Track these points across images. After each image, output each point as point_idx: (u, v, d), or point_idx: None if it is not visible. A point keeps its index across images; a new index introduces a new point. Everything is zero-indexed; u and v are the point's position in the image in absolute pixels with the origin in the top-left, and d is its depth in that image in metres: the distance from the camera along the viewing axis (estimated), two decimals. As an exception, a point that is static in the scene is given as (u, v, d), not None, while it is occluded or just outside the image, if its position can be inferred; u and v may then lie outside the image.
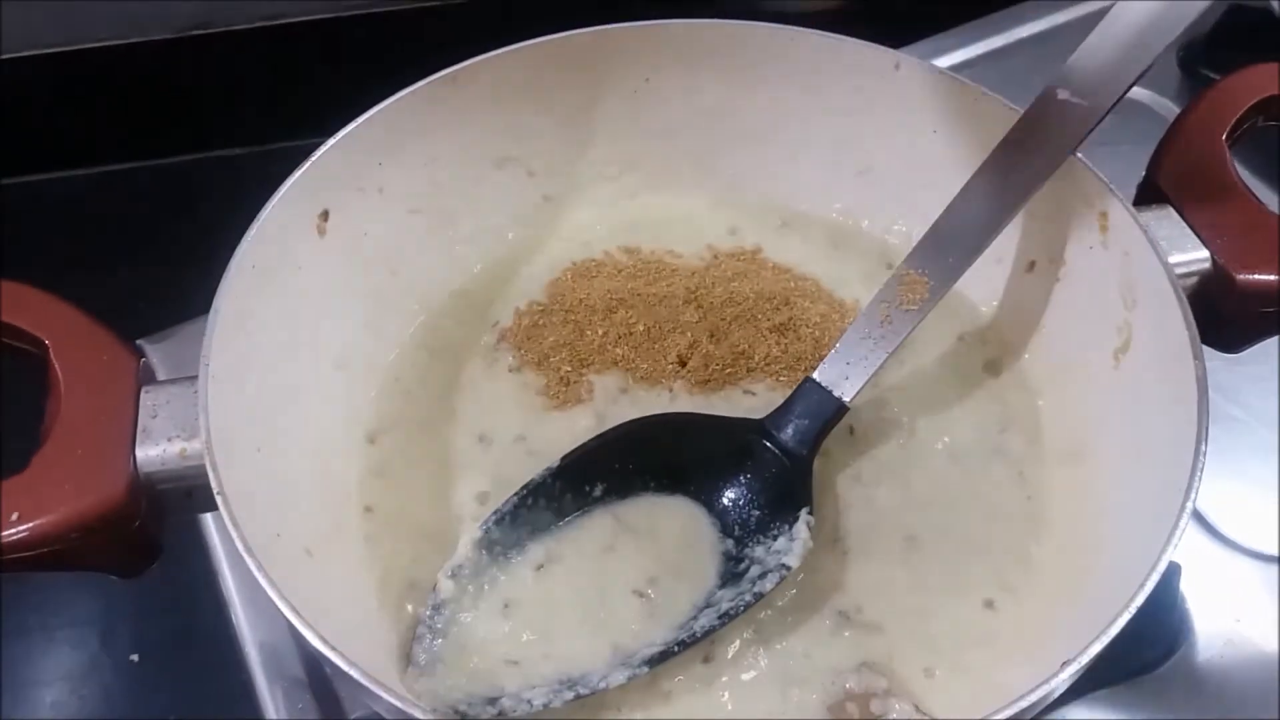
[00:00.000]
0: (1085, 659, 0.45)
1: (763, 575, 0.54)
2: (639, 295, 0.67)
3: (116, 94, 0.95)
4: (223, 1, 0.93)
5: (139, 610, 0.71)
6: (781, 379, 0.63)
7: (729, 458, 0.59)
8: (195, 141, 0.99)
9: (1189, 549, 0.67)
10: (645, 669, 0.52)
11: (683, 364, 0.65)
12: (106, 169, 0.97)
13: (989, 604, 0.56)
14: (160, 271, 0.86)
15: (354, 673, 0.44)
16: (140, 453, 0.51)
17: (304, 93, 0.89)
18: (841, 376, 0.58)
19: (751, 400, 0.63)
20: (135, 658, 0.69)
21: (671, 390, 0.64)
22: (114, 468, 0.50)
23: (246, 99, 0.98)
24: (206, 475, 0.49)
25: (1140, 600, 0.46)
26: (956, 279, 0.58)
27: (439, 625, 0.54)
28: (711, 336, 0.65)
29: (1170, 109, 0.87)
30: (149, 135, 0.97)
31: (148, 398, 0.53)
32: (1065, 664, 0.45)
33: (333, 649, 0.44)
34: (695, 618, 0.54)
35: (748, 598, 0.54)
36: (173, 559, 0.62)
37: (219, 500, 0.48)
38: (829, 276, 0.69)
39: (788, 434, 0.58)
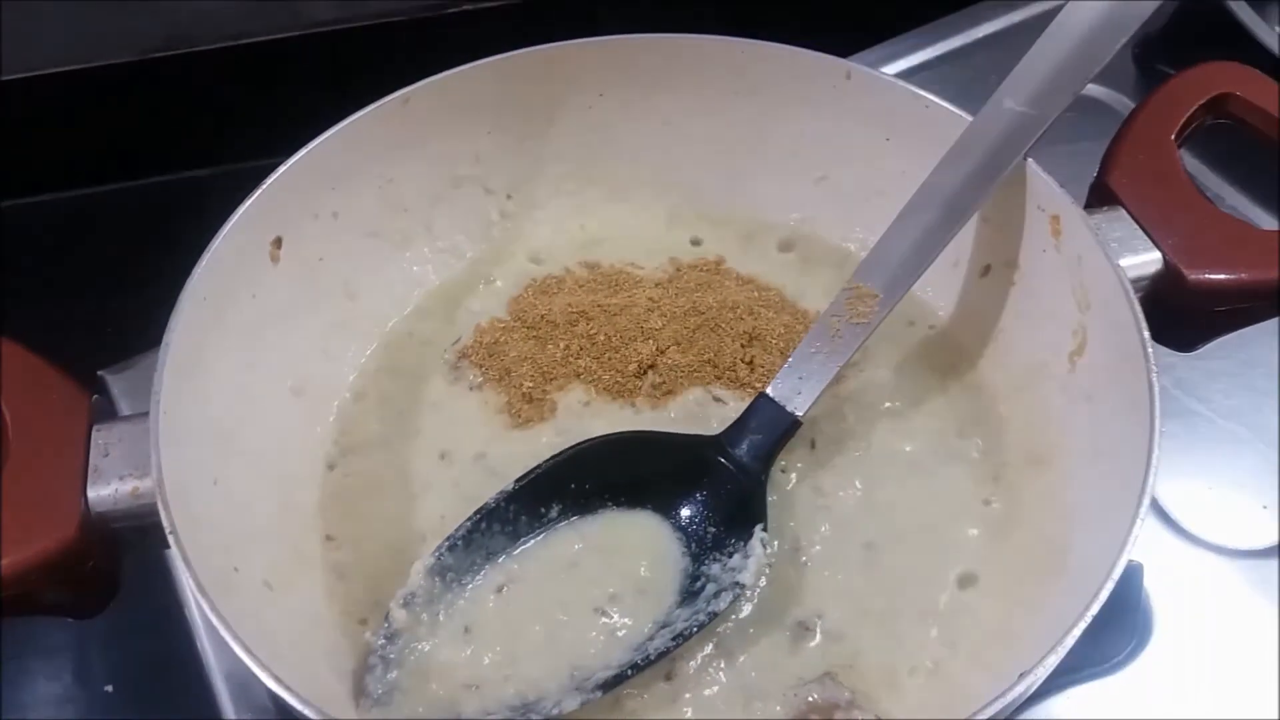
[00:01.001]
0: (1042, 670, 0.46)
1: (718, 594, 0.54)
2: (600, 307, 0.67)
3: (79, 118, 0.94)
4: (186, 22, 0.92)
5: (112, 641, 0.70)
6: (750, 389, 0.63)
7: (684, 475, 0.59)
8: (159, 164, 0.98)
9: (1152, 545, 0.67)
10: (599, 693, 0.51)
11: (643, 372, 0.64)
12: (66, 194, 0.97)
13: (949, 612, 0.56)
14: (125, 298, 0.85)
15: (309, 711, 0.44)
16: (92, 493, 0.51)
17: (271, 111, 0.88)
18: (794, 391, 0.58)
19: (723, 409, 0.62)
20: (110, 688, 0.68)
21: (635, 404, 0.64)
22: (65, 509, 0.50)
23: (212, 119, 0.97)
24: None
25: (1095, 609, 0.46)
26: (906, 291, 0.59)
27: (392, 655, 0.53)
28: (677, 345, 0.65)
29: (1127, 105, 0.87)
30: (112, 158, 0.96)
31: (99, 436, 0.53)
32: (1022, 675, 0.46)
33: (286, 688, 0.44)
34: (651, 638, 0.54)
35: (702, 617, 0.54)
36: (143, 588, 0.62)
37: (171, 539, 0.48)
38: (791, 287, 0.70)
39: (742, 450, 0.58)
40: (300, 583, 0.57)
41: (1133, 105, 0.86)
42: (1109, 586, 0.47)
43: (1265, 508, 0.69)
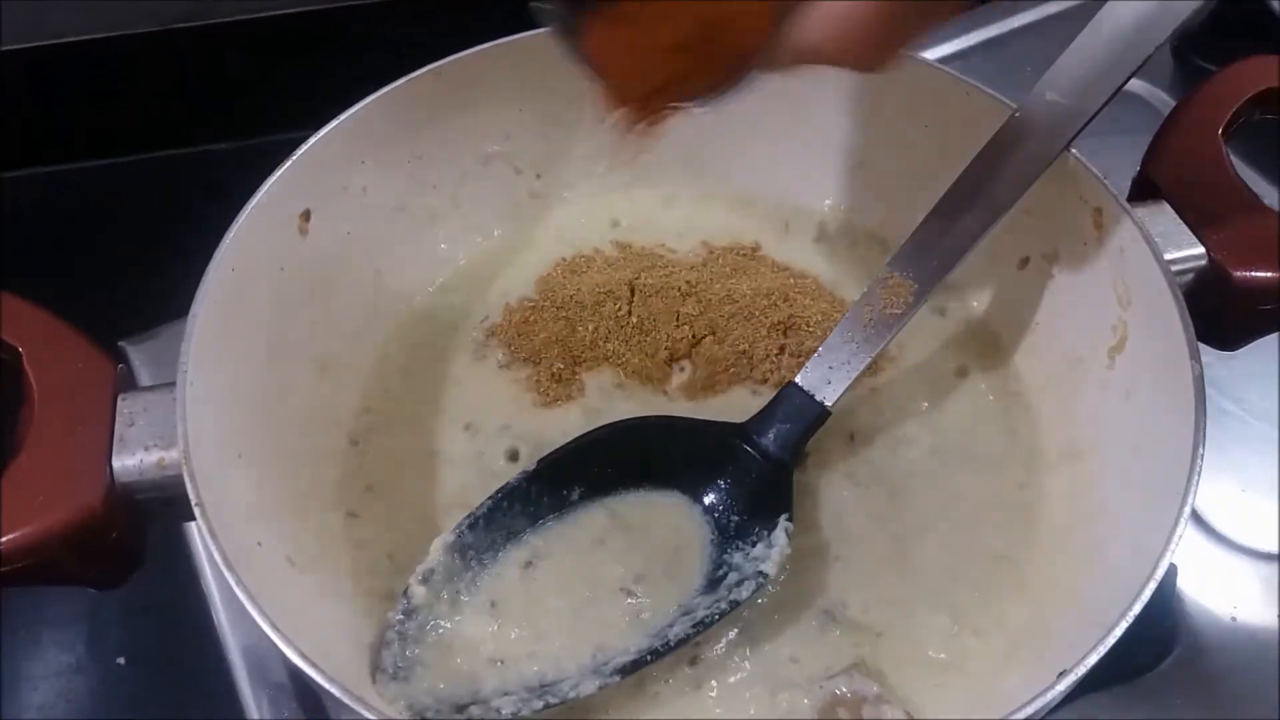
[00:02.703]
0: (1082, 669, 0.45)
1: (740, 583, 0.54)
2: (631, 289, 0.66)
3: (100, 88, 0.94)
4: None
5: (126, 613, 0.70)
6: (786, 379, 0.62)
7: (709, 462, 0.58)
8: (180, 137, 0.97)
9: (1184, 546, 0.65)
10: (617, 678, 0.51)
11: (673, 359, 0.64)
12: (91, 164, 0.96)
13: (980, 608, 0.55)
14: (145, 270, 0.84)
15: (333, 688, 0.43)
16: (117, 463, 0.50)
17: (294, 85, 0.88)
18: (824, 381, 0.57)
19: (760, 400, 0.61)
20: (122, 661, 0.68)
21: (666, 390, 0.63)
22: (89, 479, 0.49)
23: (237, 92, 0.96)
24: (185, 485, 0.48)
25: (1138, 609, 0.46)
26: (941, 282, 0.58)
27: (410, 631, 0.53)
28: (712, 334, 0.64)
29: (1165, 100, 0.86)
30: (133, 130, 0.96)
31: (125, 405, 0.52)
32: (1062, 674, 0.45)
33: (311, 664, 0.43)
34: (671, 624, 0.53)
35: (723, 605, 0.53)
36: (159, 561, 0.61)
37: (197, 512, 0.47)
38: (827, 274, 0.69)
39: (769, 439, 0.57)
40: (322, 559, 0.56)
41: (1169, 99, 0.87)
42: (1152, 586, 0.46)
43: (1299, 511, 0.68)
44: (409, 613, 0.53)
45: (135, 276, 0.85)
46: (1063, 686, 0.44)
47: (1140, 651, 0.63)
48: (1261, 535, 0.67)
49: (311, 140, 0.60)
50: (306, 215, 0.61)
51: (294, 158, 0.59)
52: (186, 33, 0.93)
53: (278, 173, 0.59)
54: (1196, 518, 0.67)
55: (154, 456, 0.51)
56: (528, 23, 0.67)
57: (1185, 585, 0.65)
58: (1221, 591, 0.66)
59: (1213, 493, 0.68)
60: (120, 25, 0.91)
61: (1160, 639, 0.63)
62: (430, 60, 0.65)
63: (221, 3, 0.92)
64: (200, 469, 0.49)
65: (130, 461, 0.50)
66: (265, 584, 0.48)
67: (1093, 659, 0.45)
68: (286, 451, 0.58)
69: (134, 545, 0.51)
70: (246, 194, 0.58)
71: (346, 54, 0.90)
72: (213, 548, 0.46)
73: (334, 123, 0.61)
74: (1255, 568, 0.66)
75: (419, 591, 0.53)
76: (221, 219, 0.57)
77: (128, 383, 0.53)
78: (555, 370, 0.63)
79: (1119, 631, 0.45)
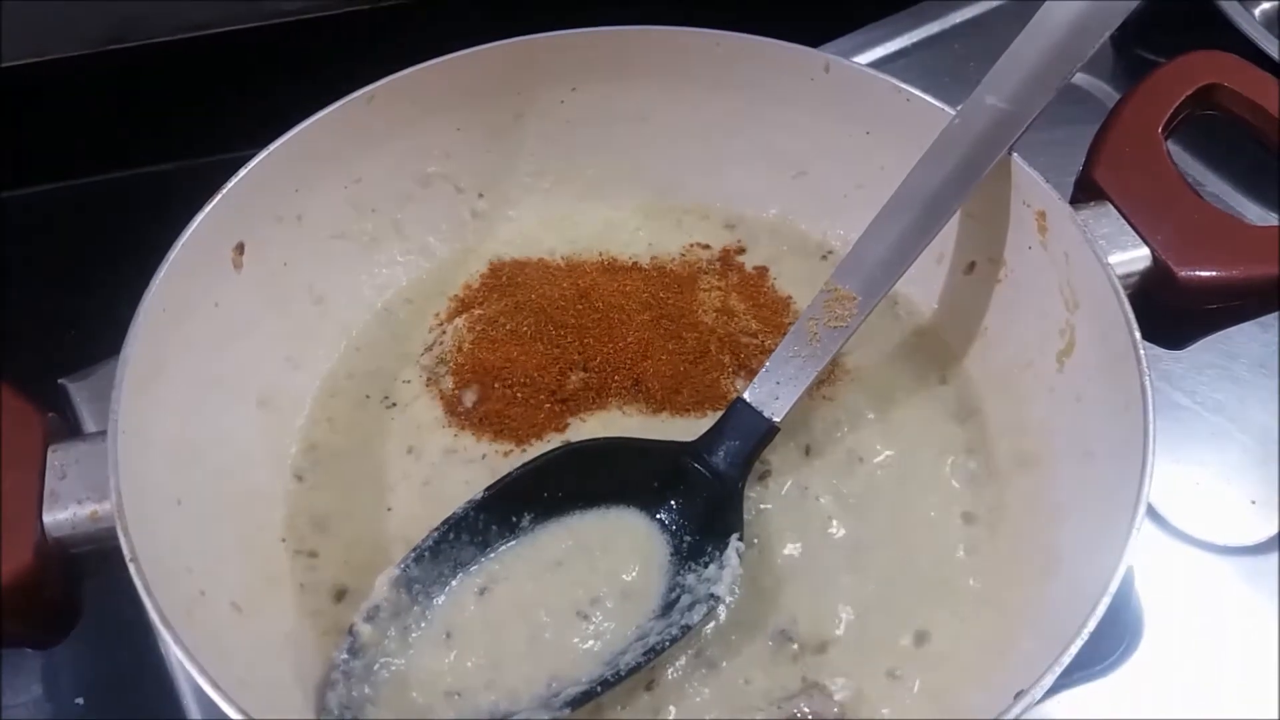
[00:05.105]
0: (1039, 690, 0.45)
1: (691, 606, 0.53)
2: (578, 308, 0.65)
3: (32, 113, 0.92)
4: (138, 11, 0.89)
5: (83, 652, 0.68)
6: (737, 392, 0.61)
7: (660, 482, 0.57)
8: (116, 159, 0.95)
9: (1140, 542, 0.66)
10: (567, 710, 0.50)
11: (625, 375, 0.63)
12: (21, 192, 0.94)
13: (940, 622, 0.55)
14: (85, 299, 0.83)
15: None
16: (48, 518, 0.49)
17: (234, 104, 0.86)
18: (771, 396, 0.57)
19: (713, 418, 0.60)
20: (80, 700, 0.66)
21: (625, 409, 0.62)
22: (19, 535, 0.48)
23: (175, 113, 0.94)
24: (120, 539, 0.47)
25: (1093, 625, 0.46)
26: (885, 293, 0.57)
27: (357, 670, 0.52)
28: (661, 349, 0.63)
29: (1107, 92, 0.86)
30: (67, 154, 0.94)
31: (55, 458, 0.51)
32: (1019, 695, 0.45)
33: (252, 721, 0.42)
34: (624, 651, 0.52)
35: (674, 631, 0.52)
36: (112, 596, 0.60)
37: (132, 568, 0.46)
38: (774, 285, 0.68)
39: (719, 456, 0.57)
40: (270, 602, 0.55)
41: (1110, 90, 0.86)
42: (1106, 601, 0.46)
43: (1253, 503, 0.68)
44: (355, 652, 0.52)
45: (74, 307, 0.83)
46: (1020, 708, 0.44)
47: (1102, 649, 0.63)
48: (1216, 528, 0.67)
49: (241, 172, 0.59)
50: (240, 248, 0.60)
51: (223, 191, 0.58)
52: (118, 54, 0.91)
53: (206, 208, 0.57)
54: (1152, 512, 0.67)
55: (87, 509, 0.49)
56: (468, 37, 0.66)
57: (1142, 581, 0.65)
58: (1179, 586, 0.65)
59: (1167, 487, 0.68)
60: (48, 49, 0.89)
61: (1119, 639, 0.62)
62: (373, 76, 0.64)
63: (152, 23, 0.90)
64: (135, 520, 0.47)
65: (62, 516, 0.49)
66: (208, 636, 0.47)
67: (1049, 679, 0.45)
68: (228, 493, 0.56)
69: (70, 601, 0.50)
70: (192, 216, 0.57)
71: (287, 72, 0.89)
72: (149, 606, 0.45)
73: (263, 153, 0.60)
74: (1211, 561, 0.66)
75: (364, 630, 0.52)
76: (163, 244, 0.56)
77: (59, 432, 0.52)
78: (505, 393, 0.62)
79: (1074, 649, 0.45)
